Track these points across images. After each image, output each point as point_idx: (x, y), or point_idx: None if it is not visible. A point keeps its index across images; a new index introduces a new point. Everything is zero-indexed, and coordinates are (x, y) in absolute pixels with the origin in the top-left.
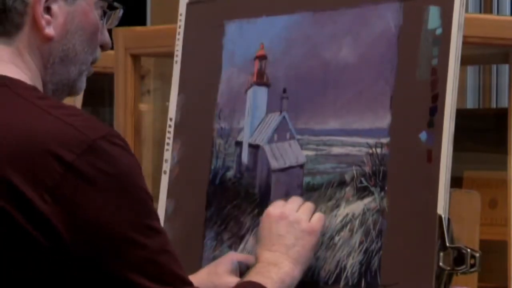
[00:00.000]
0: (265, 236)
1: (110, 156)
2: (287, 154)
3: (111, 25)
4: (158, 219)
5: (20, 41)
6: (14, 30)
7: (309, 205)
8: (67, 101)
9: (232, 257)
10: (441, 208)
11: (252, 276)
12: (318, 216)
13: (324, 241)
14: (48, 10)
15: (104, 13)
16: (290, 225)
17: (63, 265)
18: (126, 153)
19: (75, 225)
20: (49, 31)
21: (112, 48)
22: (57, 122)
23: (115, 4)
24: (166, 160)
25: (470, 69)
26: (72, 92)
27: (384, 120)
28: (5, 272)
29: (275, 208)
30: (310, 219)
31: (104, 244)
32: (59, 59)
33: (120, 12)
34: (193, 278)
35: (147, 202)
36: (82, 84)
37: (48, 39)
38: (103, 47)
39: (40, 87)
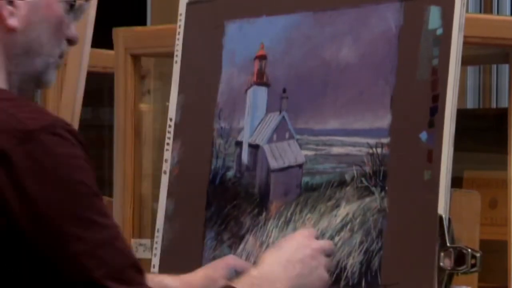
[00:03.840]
0: (287, 249)
1: (46, 147)
2: (286, 154)
3: (78, 19)
4: (103, 214)
5: None
6: None
7: (330, 262)
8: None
9: (229, 262)
10: (442, 208)
11: (240, 284)
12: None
13: None
14: (11, 2)
15: (71, 7)
16: (315, 260)
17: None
18: (67, 144)
19: (15, 213)
20: (12, 22)
21: (112, 48)
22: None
23: None
24: (166, 160)
25: (470, 69)
26: (40, 84)
27: (384, 120)
28: None
29: (314, 240)
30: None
31: (40, 235)
32: (23, 50)
33: (86, 5)
34: (190, 278)
35: (86, 195)
36: (51, 76)
37: (11, 30)
38: (71, 42)
39: (3, 77)
